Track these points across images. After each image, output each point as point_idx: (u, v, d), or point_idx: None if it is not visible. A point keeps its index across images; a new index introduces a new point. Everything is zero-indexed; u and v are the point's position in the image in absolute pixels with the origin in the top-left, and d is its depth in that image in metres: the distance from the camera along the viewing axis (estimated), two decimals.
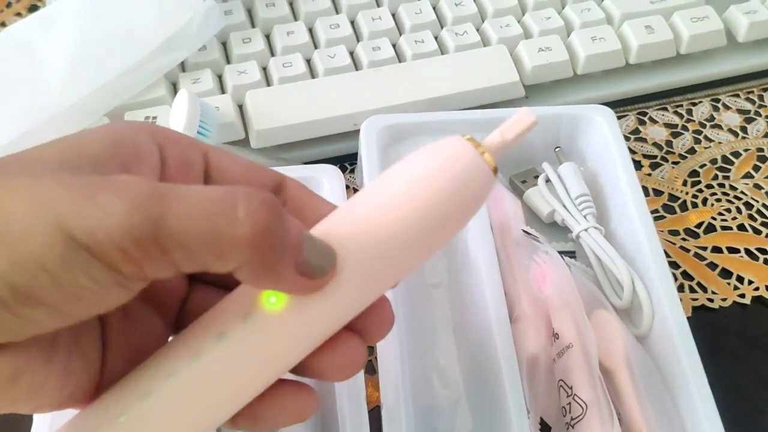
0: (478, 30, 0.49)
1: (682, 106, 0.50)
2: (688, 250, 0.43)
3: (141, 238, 0.18)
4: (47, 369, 0.20)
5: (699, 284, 0.41)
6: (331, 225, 0.23)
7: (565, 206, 0.41)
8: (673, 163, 0.47)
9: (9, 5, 0.57)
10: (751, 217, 0.44)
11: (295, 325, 0.22)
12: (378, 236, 0.23)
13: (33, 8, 0.56)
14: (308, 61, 0.48)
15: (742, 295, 0.41)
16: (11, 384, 0.20)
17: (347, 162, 0.46)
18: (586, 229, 0.40)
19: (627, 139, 0.48)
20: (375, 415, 0.33)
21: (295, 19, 0.50)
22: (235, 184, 0.24)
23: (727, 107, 0.50)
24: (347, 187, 0.44)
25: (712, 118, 0.49)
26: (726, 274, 0.42)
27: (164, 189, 0.19)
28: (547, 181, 0.42)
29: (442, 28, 0.50)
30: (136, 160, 0.22)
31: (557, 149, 0.43)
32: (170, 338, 0.24)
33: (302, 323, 0.22)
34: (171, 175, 0.23)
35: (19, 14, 0.56)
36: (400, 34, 0.49)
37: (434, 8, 0.51)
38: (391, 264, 0.23)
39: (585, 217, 0.40)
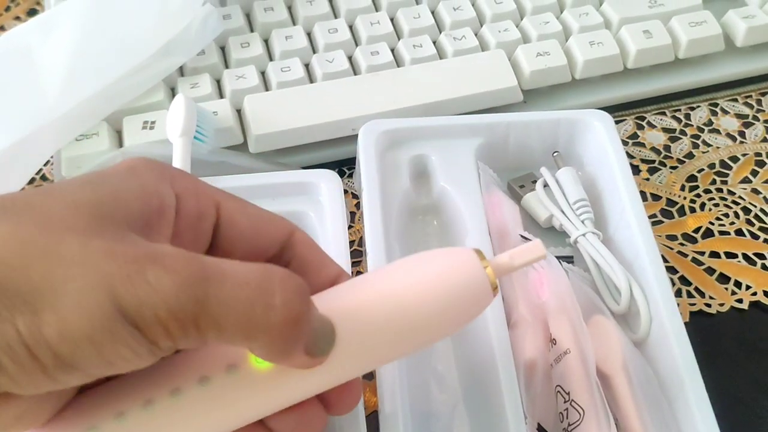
0: (476, 34, 0.49)
1: (680, 110, 0.50)
2: (685, 255, 0.43)
3: (184, 319, 0.19)
4: (47, 400, 0.21)
5: (697, 289, 0.41)
6: (332, 303, 0.24)
7: (563, 211, 0.41)
8: (671, 167, 0.47)
9: (8, 9, 0.57)
10: (748, 222, 0.44)
11: (275, 387, 0.23)
12: (372, 326, 0.24)
13: (32, 12, 0.57)
14: (307, 66, 0.48)
15: (740, 300, 0.41)
16: (17, 421, 0.21)
17: (346, 166, 0.46)
18: (583, 234, 0.40)
19: (625, 143, 0.48)
20: (372, 420, 0.33)
21: (294, 23, 0.50)
22: (245, 237, 0.25)
23: (725, 112, 0.50)
24: (345, 192, 0.44)
25: (710, 123, 0.49)
26: (724, 279, 0.42)
27: (209, 268, 0.20)
28: (545, 185, 0.42)
29: (440, 32, 0.50)
30: (158, 216, 0.22)
31: (555, 154, 0.43)
32: None
33: (282, 387, 0.23)
34: (183, 228, 0.24)
35: (18, 18, 0.56)
36: (399, 39, 0.49)
37: (432, 13, 0.51)
38: (378, 353, 0.25)
39: (583, 222, 0.40)
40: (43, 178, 0.46)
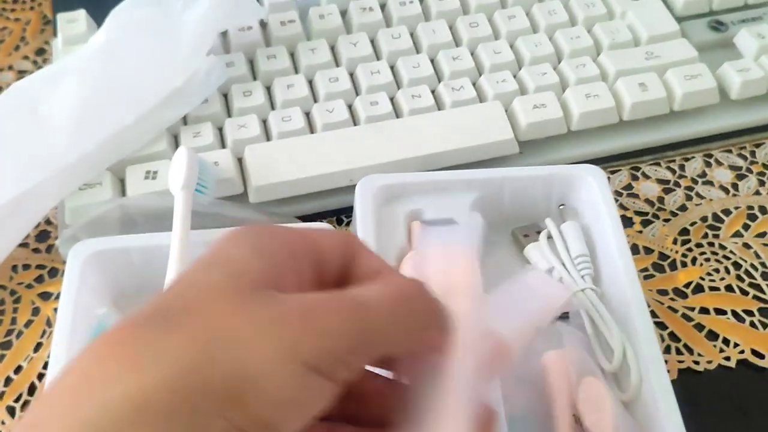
0: (474, 84, 0.50)
1: (675, 161, 0.51)
2: (676, 311, 0.43)
3: (359, 350, 0.22)
4: None
5: (686, 346, 0.42)
6: None
7: (564, 265, 0.42)
8: (665, 220, 0.48)
9: (17, 48, 0.58)
10: (738, 277, 0.45)
11: None
12: None
13: (40, 51, 0.58)
14: (307, 115, 0.49)
15: (728, 358, 0.41)
16: None
17: (344, 215, 0.47)
18: (582, 290, 0.40)
19: (619, 194, 0.49)
20: None
21: (296, 71, 0.51)
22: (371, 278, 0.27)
23: (719, 163, 0.51)
24: None
25: (704, 174, 0.50)
26: (712, 336, 0.42)
27: (356, 298, 0.23)
28: (549, 237, 0.43)
29: (439, 82, 0.51)
30: (287, 269, 0.24)
31: (561, 207, 0.44)
32: None
33: None
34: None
35: (26, 57, 0.57)
36: (398, 88, 0.50)
37: (432, 61, 0.52)
38: None
39: (583, 277, 0.41)
40: (48, 222, 0.47)
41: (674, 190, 0.49)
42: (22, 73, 0.56)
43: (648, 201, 0.49)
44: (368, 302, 0.23)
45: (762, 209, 0.48)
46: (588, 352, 0.39)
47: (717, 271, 0.45)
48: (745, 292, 0.44)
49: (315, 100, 0.50)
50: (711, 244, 0.46)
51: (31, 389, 0.40)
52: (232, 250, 0.24)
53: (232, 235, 0.25)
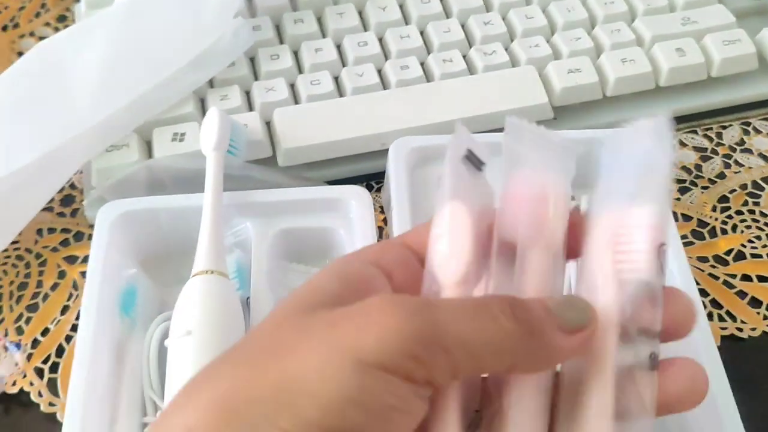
0: (506, 50, 0.49)
1: (712, 129, 0.49)
2: (717, 278, 0.42)
3: (426, 339, 0.20)
4: None
5: (728, 313, 0.41)
6: None
7: None
8: (703, 187, 0.46)
9: (38, 15, 0.57)
10: None
11: None
12: None
13: (62, 18, 0.57)
14: (336, 79, 0.47)
15: None
16: None
17: (374, 180, 0.46)
18: None
19: None
20: None
21: (324, 35, 0.50)
22: None
23: (757, 131, 0.49)
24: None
25: (742, 142, 0.49)
26: (755, 303, 0.41)
27: (423, 298, 0.22)
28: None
29: (470, 47, 0.49)
30: (365, 286, 0.23)
31: None
32: None
33: None
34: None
35: (48, 24, 0.57)
36: (429, 53, 0.49)
37: (463, 26, 0.50)
38: None
39: None
40: (72, 186, 0.46)
41: (712, 158, 0.48)
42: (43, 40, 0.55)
43: (685, 168, 0.47)
44: (435, 301, 0.22)
45: None
46: None
47: (759, 238, 0.44)
48: None
49: (344, 65, 0.48)
50: (752, 212, 0.45)
51: (59, 351, 0.39)
52: (321, 275, 0.23)
53: (327, 267, 0.24)
